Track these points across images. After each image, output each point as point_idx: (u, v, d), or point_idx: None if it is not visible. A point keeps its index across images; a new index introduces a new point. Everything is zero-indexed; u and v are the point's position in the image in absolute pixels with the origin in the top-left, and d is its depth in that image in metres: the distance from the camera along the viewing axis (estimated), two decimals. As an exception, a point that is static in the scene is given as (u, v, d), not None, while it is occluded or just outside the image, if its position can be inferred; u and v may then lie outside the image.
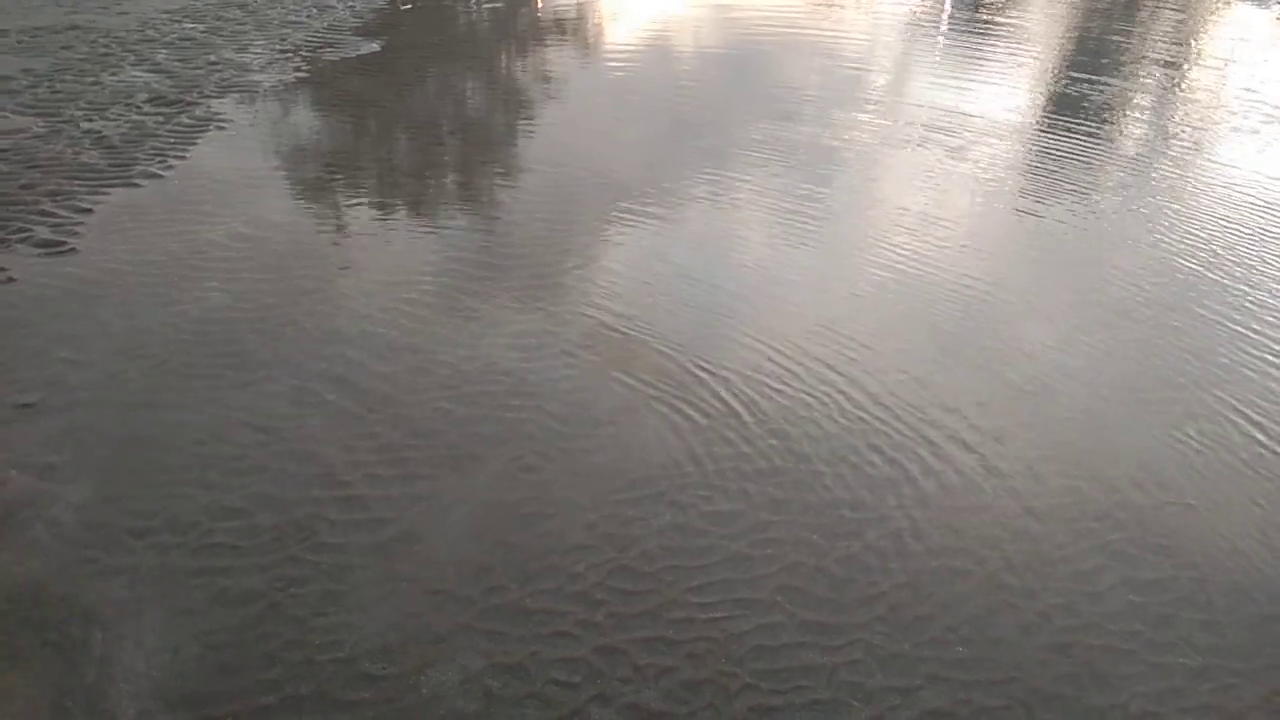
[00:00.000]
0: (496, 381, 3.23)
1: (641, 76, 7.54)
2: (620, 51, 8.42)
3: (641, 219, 4.62)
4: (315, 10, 8.55)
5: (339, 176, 5.03)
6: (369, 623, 2.35)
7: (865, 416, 3.18)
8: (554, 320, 3.64)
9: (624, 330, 3.59)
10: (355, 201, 4.70)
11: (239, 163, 5.08)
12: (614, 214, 4.67)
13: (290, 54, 7.17)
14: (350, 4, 8.89)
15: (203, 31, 7.50)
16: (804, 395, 3.26)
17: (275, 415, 3.03)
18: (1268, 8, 11.93)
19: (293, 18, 8.24)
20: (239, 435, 2.94)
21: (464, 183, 5.18)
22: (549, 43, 8.61)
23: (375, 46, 7.59)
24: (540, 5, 10.30)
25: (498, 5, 10.12)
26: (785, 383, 3.32)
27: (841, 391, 3.30)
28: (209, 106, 5.86)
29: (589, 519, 2.66)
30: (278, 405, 3.08)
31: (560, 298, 3.82)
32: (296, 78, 6.64)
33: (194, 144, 5.27)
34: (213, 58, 6.85)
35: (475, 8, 10.09)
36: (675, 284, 3.97)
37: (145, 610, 2.34)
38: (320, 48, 7.44)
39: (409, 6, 9.40)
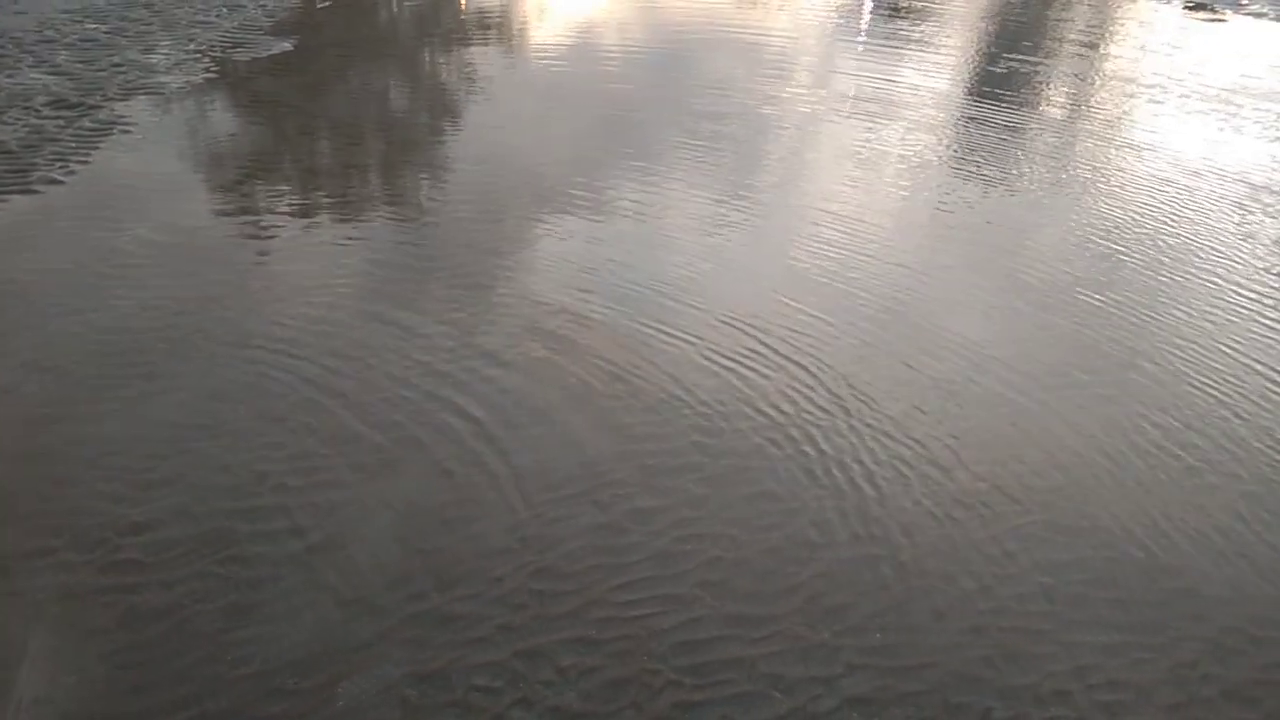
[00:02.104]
0: (416, 385, 3.18)
1: (568, 74, 7.50)
2: (546, 49, 8.37)
3: (568, 217, 4.59)
4: (225, 9, 8.32)
5: (251, 180, 4.90)
6: (283, 635, 2.29)
7: (785, 409, 3.20)
8: (476, 321, 3.60)
9: (548, 331, 3.57)
10: (269, 205, 4.59)
11: (145, 167, 4.92)
12: (540, 213, 4.63)
13: (199, 55, 6.97)
14: (262, 3, 8.67)
15: (106, 32, 7.25)
16: (726, 392, 3.28)
17: (185, 425, 2.94)
18: (1168, 1, 12.38)
19: (201, 17, 8.01)
20: (148, 447, 2.85)
21: (382, 184, 5.09)
22: (473, 41, 8.51)
23: (288, 46, 7.42)
24: (465, 3, 10.19)
25: (420, 4, 9.98)
26: (708, 379, 3.33)
27: (762, 386, 3.32)
28: (113, 109, 5.67)
29: (511, 522, 2.64)
30: (188, 415, 2.99)
31: (483, 298, 3.77)
32: (205, 79, 6.46)
33: (97, 148, 5.09)
34: (116, 59, 6.63)
35: (397, 6, 9.94)
36: (601, 282, 3.96)
37: (49, 633, 2.25)
38: (230, 48, 7.25)
39: (326, 4, 9.22)
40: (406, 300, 3.72)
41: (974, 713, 2.24)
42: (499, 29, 9.13)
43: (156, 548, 2.51)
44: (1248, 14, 11.87)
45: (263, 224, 4.37)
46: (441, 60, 7.94)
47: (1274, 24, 11.46)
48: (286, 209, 4.54)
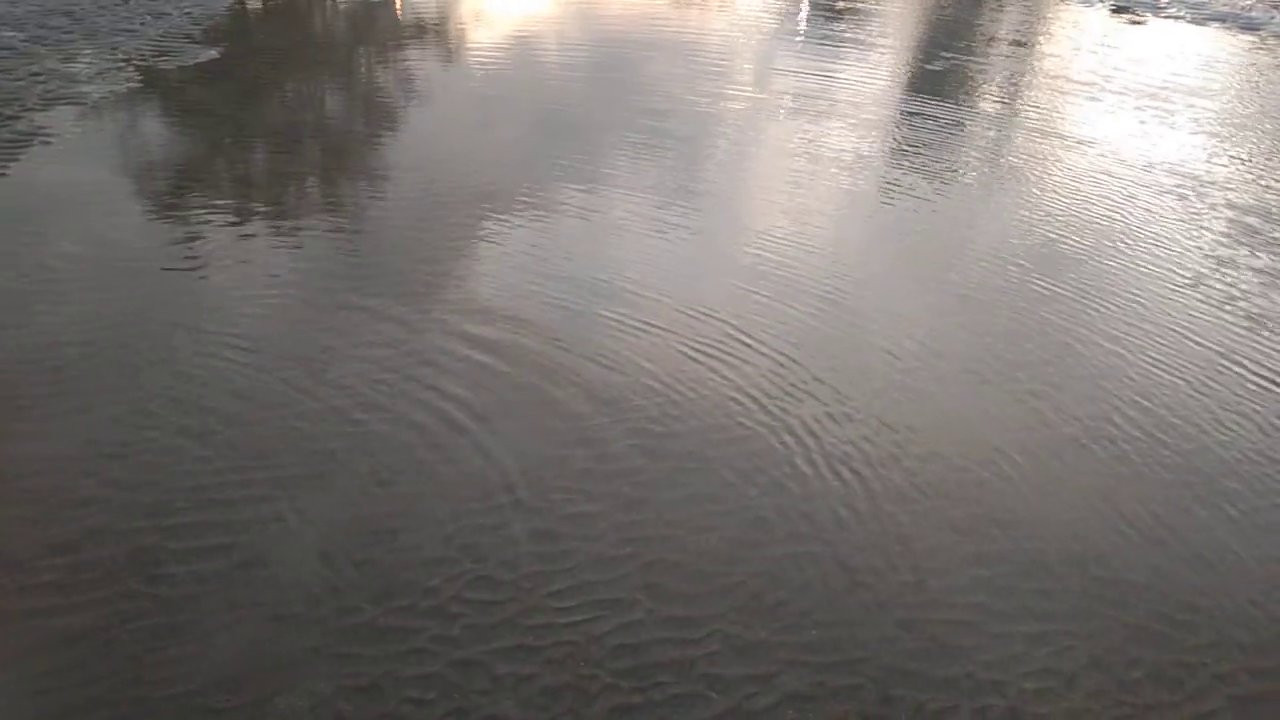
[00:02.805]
0: (347, 395, 3.13)
1: (506, 77, 7.47)
2: (484, 53, 8.32)
3: (505, 223, 4.57)
4: (149, 17, 8.14)
5: (177, 191, 4.80)
6: (211, 654, 2.24)
7: (721, 411, 3.22)
8: (409, 329, 3.56)
9: (484, 337, 3.54)
10: (196, 216, 4.49)
11: (66, 178, 4.78)
12: (477, 218, 4.60)
13: (122, 63, 6.81)
14: (188, 11, 8.49)
15: (24, 40, 7.04)
16: (663, 393, 3.28)
17: (108, 443, 2.87)
18: (1092, 6, 12.73)
19: (124, 25, 7.82)
20: (68, 466, 2.77)
21: (314, 192, 5.02)
22: (409, 46, 8.44)
23: (215, 54, 7.28)
24: (400, 7, 10.09)
25: (355, 9, 9.87)
26: (644, 382, 3.34)
27: (699, 390, 3.33)
28: (32, 120, 5.51)
29: (446, 531, 2.61)
30: (111, 432, 2.91)
31: (417, 306, 3.73)
32: (129, 88, 6.31)
33: (15, 160, 4.94)
34: (35, 68, 6.44)
35: (331, 12, 9.81)
36: (538, 286, 3.94)
37: (-40, 661, 2.17)
38: (155, 56, 7.09)
39: (259, 8, 9.07)
40: (339, 310, 3.67)
41: (908, 705, 2.26)
42: (436, 33, 9.07)
43: (78, 569, 2.44)
44: (1166, 17, 12.27)
45: (190, 236, 4.27)
46: (376, 66, 7.85)
47: (1190, 26, 11.85)
48: (214, 220, 4.45)
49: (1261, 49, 10.66)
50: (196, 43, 7.56)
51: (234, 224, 4.42)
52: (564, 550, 2.59)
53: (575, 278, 4.05)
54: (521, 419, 3.09)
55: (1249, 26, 11.35)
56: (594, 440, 3.02)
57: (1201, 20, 11.87)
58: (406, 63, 7.84)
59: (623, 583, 2.51)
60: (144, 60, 6.96)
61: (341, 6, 9.93)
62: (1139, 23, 11.90)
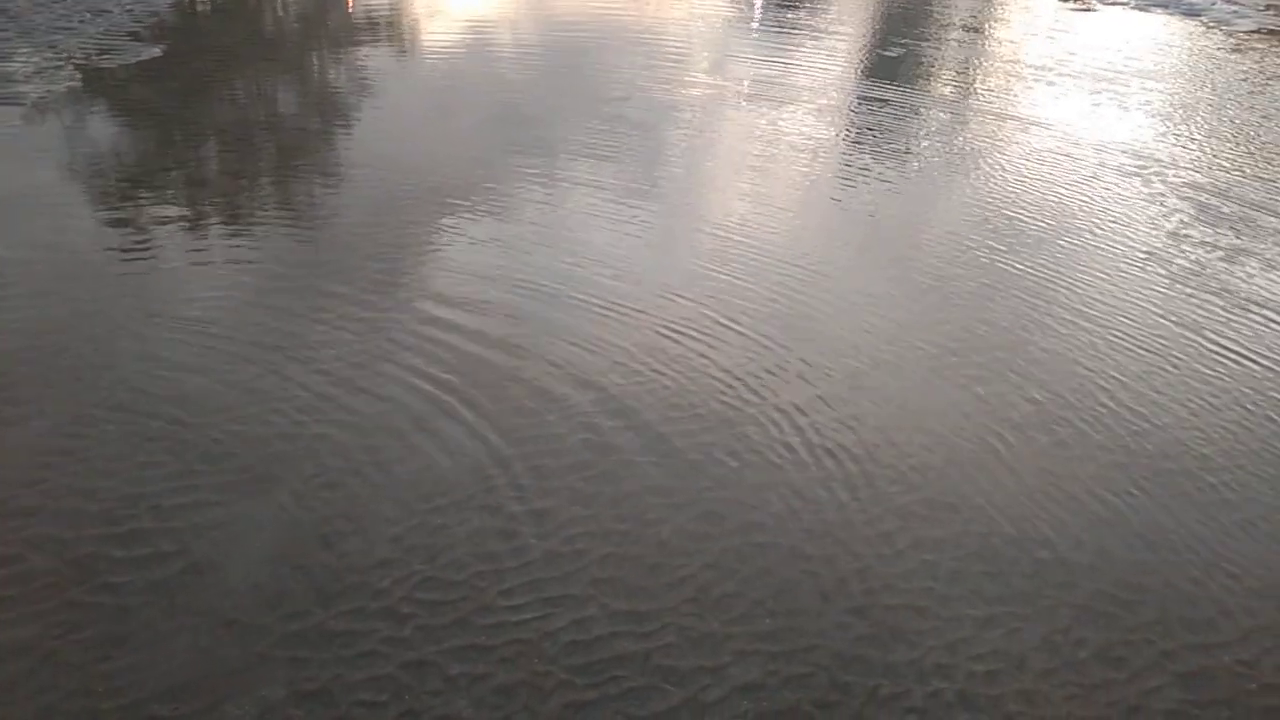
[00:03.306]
0: (294, 397, 3.09)
1: (463, 73, 7.40)
2: (440, 48, 8.24)
3: (460, 221, 4.53)
4: (89, 15, 7.96)
5: (119, 191, 4.71)
6: (157, 663, 2.21)
7: (671, 401, 3.22)
8: (358, 330, 3.52)
9: (435, 335, 3.51)
10: (137, 217, 4.41)
11: (3, 181, 4.67)
12: (429, 215, 4.56)
13: (61, 62, 6.66)
14: (129, 8, 8.32)
15: (-41, 39, 6.88)
16: (614, 387, 3.28)
17: (49, 450, 2.81)
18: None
19: (63, 23, 7.65)
20: (7, 475, 2.71)
21: (261, 192, 4.94)
22: (362, 42, 8.34)
23: (158, 51, 7.14)
24: (352, 4, 9.97)
25: (305, 4, 9.73)
26: (597, 376, 3.33)
27: (648, 382, 3.33)
28: (-33, 121, 5.38)
29: (395, 532, 2.59)
30: (52, 440, 2.85)
31: (368, 306, 3.69)
32: (68, 87, 6.17)
33: (-49, 162, 4.82)
34: (-29, 68, 6.29)
35: (281, 8, 9.67)
36: (489, 284, 3.91)
37: (-106, 679, 2.12)
38: (95, 54, 6.94)
39: (206, 3, 8.92)
40: (287, 311, 3.62)
41: (860, 691, 2.28)
42: (388, 29, 8.97)
43: (21, 579, 2.39)
44: (1112, 4, 12.48)
45: (132, 237, 4.19)
46: (327, 62, 7.75)
47: (1136, 13, 12.05)
48: (157, 221, 4.37)
49: (1204, 35, 10.86)
50: (139, 40, 7.41)
51: (178, 225, 4.35)
52: (516, 548, 2.58)
53: (527, 276, 4.02)
54: (470, 416, 3.07)
55: (1190, 13, 11.62)
56: (546, 436, 3.01)
57: (1145, 7, 12.10)
58: (359, 58, 7.75)
59: (576, 578, 2.50)
60: (84, 59, 6.81)
61: (292, 2, 9.79)
62: (1087, 9, 12.08)
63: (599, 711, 2.18)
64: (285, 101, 6.64)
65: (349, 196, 4.76)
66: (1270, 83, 8.82)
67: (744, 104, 6.82)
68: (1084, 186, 5.65)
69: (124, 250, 4.06)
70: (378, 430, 2.97)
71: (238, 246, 4.17)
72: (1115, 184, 5.71)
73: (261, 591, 2.40)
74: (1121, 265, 4.59)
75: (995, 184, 5.59)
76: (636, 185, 5.12)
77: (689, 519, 2.74)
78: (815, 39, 9.34)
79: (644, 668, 2.29)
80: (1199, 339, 3.93)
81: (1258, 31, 10.86)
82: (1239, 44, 10.35)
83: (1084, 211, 5.25)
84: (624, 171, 5.31)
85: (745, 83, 7.43)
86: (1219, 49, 10.14)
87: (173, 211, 4.49)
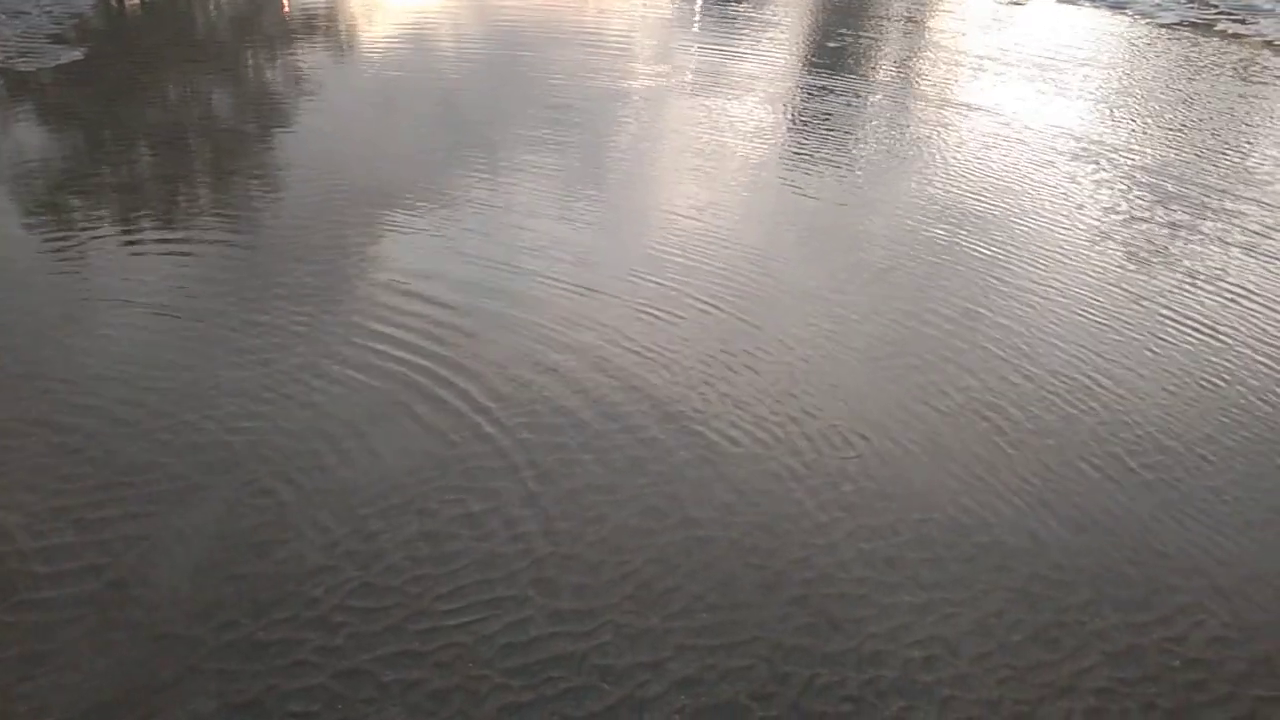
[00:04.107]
0: (225, 404, 3.03)
1: (403, 74, 7.30)
2: (379, 49, 8.13)
3: (396, 222, 4.47)
4: (4, 17, 7.74)
5: (37, 198, 4.58)
6: (83, 681, 2.15)
7: (613, 398, 3.21)
8: (291, 334, 3.46)
9: (368, 339, 3.46)
10: (57, 223, 4.30)
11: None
12: (367, 220, 4.49)
13: (-19, 66, 6.48)
14: (48, 9, 8.10)
15: None
16: (555, 387, 3.26)
17: (-33, 467, 2.73)
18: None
19: (-19, 26, 7.45)
20: (-78, 494, 2.63)
21: (186, 197, 4.84)
22: (298, 43, 8.20)
23: (78, 54, 6.96)
24: (288, 5, 9.80)
25: (239, 7, 9.55)
26: (536, 376, 3.31)
27: (589, 380, 3.32)
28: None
29: (329, 539, 2.55)
30: (-29, 456, 2.77)
31: (300, 310, 3.63)
32: (-12, 92, 6.01)
33: None
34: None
35: (212, 9, 9.48)
36: (428, 286, 3.86)
37: None
38: (12, 58, 6.75)
39: (135, 3, 8.71)
40: (213, 317, 3.55)
41: (798, 681, 2.29)
42: (326, 30, 8.84)
43: (-64, 602, 2.31)
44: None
45: (54, 244, 4.08)
46: (261, 64, 7.62)
47: (1066, 6, 12.27)
48: (80, 228, 4.26)
49: (1131, 27, 11.11)
50: (60, 43, 7.22)
51: (102, 232, 4.24)
52: (453, 551, 2.55)
53: (467, 277, 3.99)
54: (407, 421, 3.04)
55: (1117, 6, 11.87)
56: (483, 437, 2.98)
57: (1074, 0, 12.34)
58: (294, 58, 7.63)
59: (513, 580, 2.49)
60: (0, 62, 6.62)
61: (225, 3, 9.61)
62: (1018, 3, 12.30)
63: (535, 713, 2.16)
64: (215, 104, 6.50)
65: (282, 199, 4.69)
66: (1198, 71, 9.05)
67: (689, 95, 6.89)
68: (1032, 170, 5.81)
69: (46, 258, 3.96)
70: (312, 436, 2.92)
71: (166, 253, 4.08)
72: (1066, 167, 5.86)
73: (192, 603, 2.35)
74: (1067, 247, 4.68)
75: (945, 169, 5.71)
76: (582, 180, 5.10)
77: (631, 515, 2.74)
78: (757, 31, 9.41)
79: (582, 667, 2.28)
80: (1139, 321, 4.01)
81: (1181, 24, 11.16)
82: (1165, 35, 10.61)
83: (1033, 194, 5.37)
84: (570, 164, 5.28)
85: (690, 74, 7.49)
86: (1147, 40, 10.38)
87: (97, 218, 4.38)
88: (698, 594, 2.51)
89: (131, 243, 4.15)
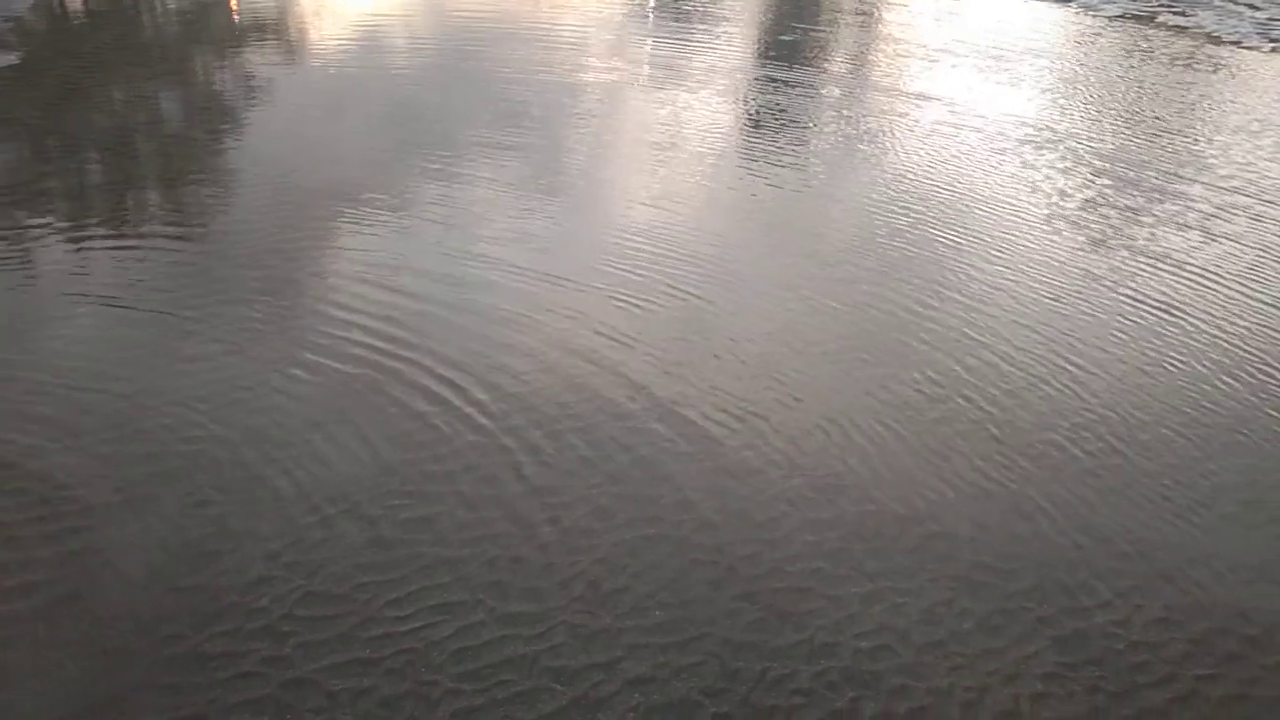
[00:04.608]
0: (166, 413, 2.98)
1: (356, 77, 7.22)
2: (332, 51, 8.04)
3: (351, 228, 4.42)
4: (-66, 21, 7.56)
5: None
6: (25, 700, 2.11)
7: (562, 399, 3.20)
8: (233, 341, 3.40)
9: (316, 344, 3.42)
10: None
11: None
12: (315, 223, 4.43)
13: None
14: (-18, 13, 7.92)
15: None
16: (502, 388, 3.24)
17: (-101, 486, 2.66)
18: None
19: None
20: None
21: (124, 205, 4.75)
22: (248, 45, 8.08)
23: (13, 59, 6.81)
24: (236, 7, 9.65)
25: (186, 6, 9.40)
26: (481, 380, 3.29)
27: (538, 380, 3.31)
28: None
29: (273, 548, 2.52)
30: (-96, 474, 2.70)
31: (242, 316, 3.57)
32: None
33: None
34: None
35: (158, 12, 9.31)
36: (376, 291, 3.81)
37: None
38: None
39: (79, 7, 8.54)
40: (153, 325, 3.48)
41: (749, 676, 2.31)
42: (276, 31, 8.72)
43: None
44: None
45: (-4, 255, 3.99)
46: (209, 67, 7.50)
47: (1012, 1, 12.44)
48: (16, 235, 4.16)
49: (1076, 19, 11.30)
50: (-3, 47, 7.06)
51: (41, 239, 4.15)
52: (402, 556, 2.53)
53: (414, 281, 3.95)
54: (351, 428, 3.01)
55: (1060, 0, 12.06)
56: (432, 441, 2.96)
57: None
58: (247, 65, 7.51)
59: (463, 584, 2.47)
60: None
61: (171, 5, 9.44)
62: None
63: (487, 717, 2.16)
64: (162, 108, 6.39)
65: (227, 205, 4.61)
66: (1143, 61, 9.22)
67: (647, 89, 6.96)
68: (989, 156, 5.97)
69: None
70: (255, 445, 2.88)
71: (104, 261, 4.00)
72: (1018, 153, 6.01)
73: (135, 618, 2.31)
74: (1022, 231, 4.77)
75: (903, 157, 5.84)
76: (542, 174, 5.07)
77: (580, 515, 2.73)
78: (711, 25, 9.46)
79: (534, 669, 2.28)
80: (1091, 303, 4.08)
81: (1124, 16, 11.36)
82: (1109, 27, 10.80)
83: (989, 180, 5.49)
84: (529, 159, 5.25)
85: (647, 69, 7.56)
86: (1092, 32, 10.57)
87: (39, 225, 4.28)
88: (649, 593, 2.51)
89: (75, 249, 4.06)
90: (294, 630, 2.30)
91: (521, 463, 2.91)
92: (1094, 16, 11.34)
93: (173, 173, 5.09)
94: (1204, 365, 3.76)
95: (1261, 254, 4.91)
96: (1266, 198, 5.75)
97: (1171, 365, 3.74)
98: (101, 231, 4.28)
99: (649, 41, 8.81)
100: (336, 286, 3.82)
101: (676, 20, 9.83)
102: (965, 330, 3.83)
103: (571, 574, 2.54)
